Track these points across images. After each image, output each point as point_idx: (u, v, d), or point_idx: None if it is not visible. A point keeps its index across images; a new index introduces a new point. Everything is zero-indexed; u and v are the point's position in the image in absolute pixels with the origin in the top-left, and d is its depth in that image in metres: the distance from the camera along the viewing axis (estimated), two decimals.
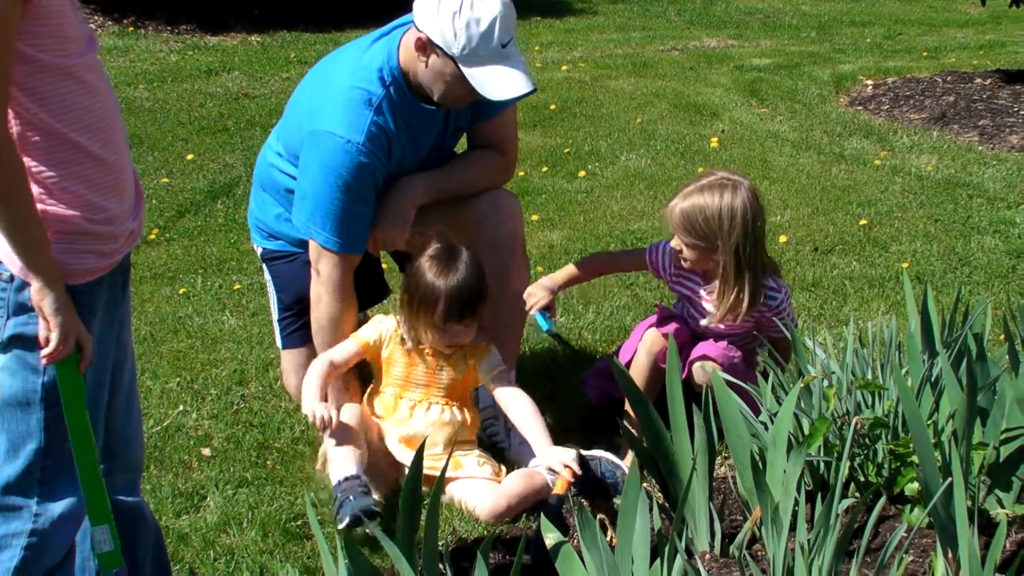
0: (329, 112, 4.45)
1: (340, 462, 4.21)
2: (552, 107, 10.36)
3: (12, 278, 2.93)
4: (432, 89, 4.41)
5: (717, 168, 4.69)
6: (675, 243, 4.56)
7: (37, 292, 2.88)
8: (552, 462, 4.23)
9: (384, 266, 5.23)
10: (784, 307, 4.63)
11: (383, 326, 4.51)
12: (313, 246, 4.50)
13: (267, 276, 4.93)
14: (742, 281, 4.50)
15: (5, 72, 2.72)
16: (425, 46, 4.32)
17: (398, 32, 4.51)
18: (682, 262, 4.61)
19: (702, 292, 4.65)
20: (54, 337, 2.90)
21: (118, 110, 3.08)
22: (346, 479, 4.15)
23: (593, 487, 4.32)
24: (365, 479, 4.21)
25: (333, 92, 4.51)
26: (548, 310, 4.76)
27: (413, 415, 4.44)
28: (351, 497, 4.07)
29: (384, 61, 4.46)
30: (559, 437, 4.52)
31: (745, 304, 4.52)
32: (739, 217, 4.45)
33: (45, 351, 2.92)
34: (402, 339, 4.46)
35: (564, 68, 12.20)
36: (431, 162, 4.72)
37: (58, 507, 3.07)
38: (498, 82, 4.28)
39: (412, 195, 4.60)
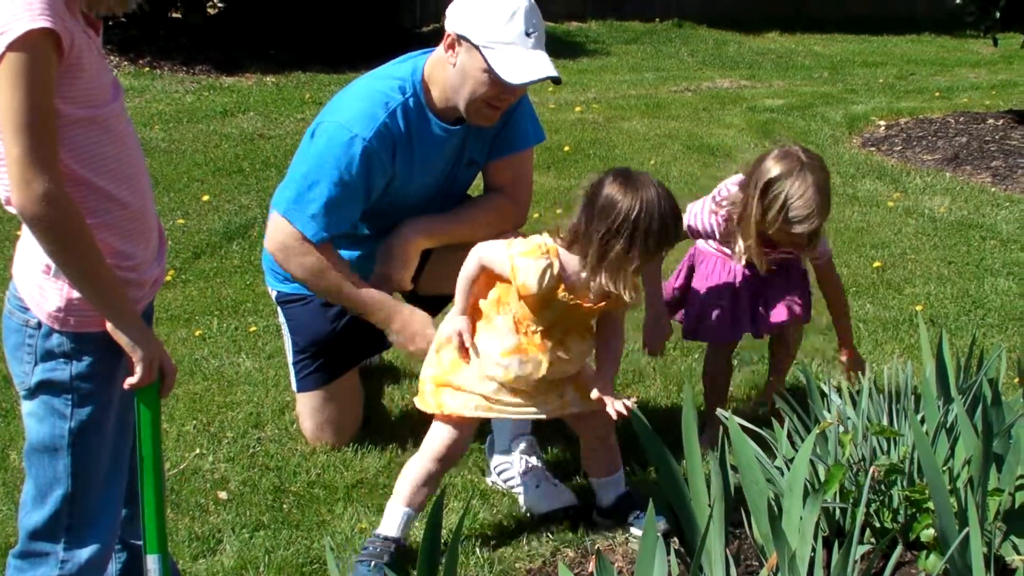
0: (343, 107, 4.54)
1: (393, 515, 4.15)
2: (566, 148, 10.39)
3: (40, 324, 2.97)
4: (460, 95, 4.45)
5: (770, 172, 4.56)
6: (800, 243, 4.60)
7: (112, 331, 2.96)
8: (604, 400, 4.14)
9: None
10: None
11: (549, 275, 4.00)
12: (279, 219, 4.54)
13: (282, 319, 4.96)
14: None
15: (53, 127, 2.78)
16: (454, 43, 4.40)
17: (427, 55, 4.58)
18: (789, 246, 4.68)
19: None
20: (138, 368, 2.99)
21: (142, 155, 3.14)
22: (385, 539, 4.11)
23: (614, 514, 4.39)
24: (404, 541, 4.16)
25: (351, 92, 4.62)
26: None
27: (553, 358, 4.12)
28: (374, 563, 4.03)
29: (408, 74, 4.55)
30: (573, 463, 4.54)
31: None
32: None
33: (130, 380, 2.99)
34: (568, 289, 4.05)
35: (578, 109, 12.24)
36: (443, 196, 4.76)
37: (84, 553, 3.10)
38: (520, 66, 4.33)
39: (413, 235, 4.65)
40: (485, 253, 4.12)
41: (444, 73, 4.47)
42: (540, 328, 4.08)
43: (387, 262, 4.65)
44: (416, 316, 4.65)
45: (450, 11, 4.43)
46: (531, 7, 4.38)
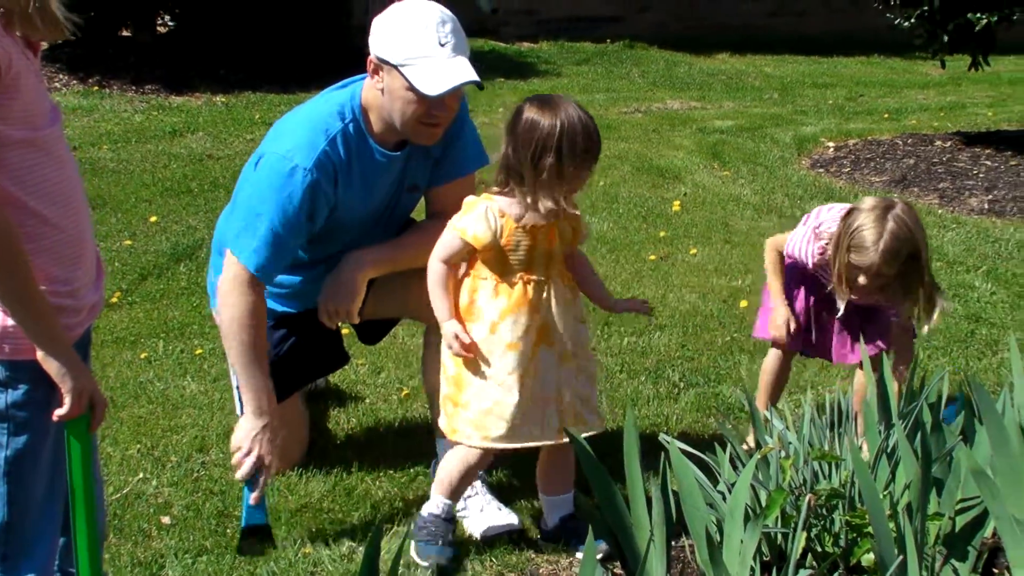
0: (284, 137, 4.50)
1: (435, 501, 4.36)
2: None
3: None
4: (393, 117, 4.44)
5: (858, 205, 4.68)
6: (865, 282, 4.62)
7: (42, 359, 2.93)
8: (629, 310, 4.52)
9: (344, 331, 5.24)
10: None
11: (490, 214, 4.19)
12: (229, 254, 4.47)
13: None
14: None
15: None
16: (377, 67, 4.40)
17: (364, 80, 4.57)
18: (861, 289, 4.69)
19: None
20: (67, 399, 2.95)
21: (80, 181, 3.12)
22: (445, 518, 4.33)
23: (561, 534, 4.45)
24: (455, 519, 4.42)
25: (291, 120, 4.59)
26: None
27: (544, 299, 4.29)
28: (439, 541, 4.29)
29: (347, 99, 4.52)
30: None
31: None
32: (920, 222, 4.64)
33: (59, 411, 2.97)
34: (516, 219, 4.21)
35: None
36: (385, 222, 4.74)
37: None
38: (436, 77, 4.31)
39: (360, 266, 4.62)
40: (438, 249, 4.26)
41: (377, 99, 4.47)
42: (517, 279, 4.24)
43: (334, 295, 4.62)
44: (263, 424, 4.49)
45: (370, 37, 4.43)
46: (443, 19, 4.37)
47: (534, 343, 4.24)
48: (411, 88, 4.32)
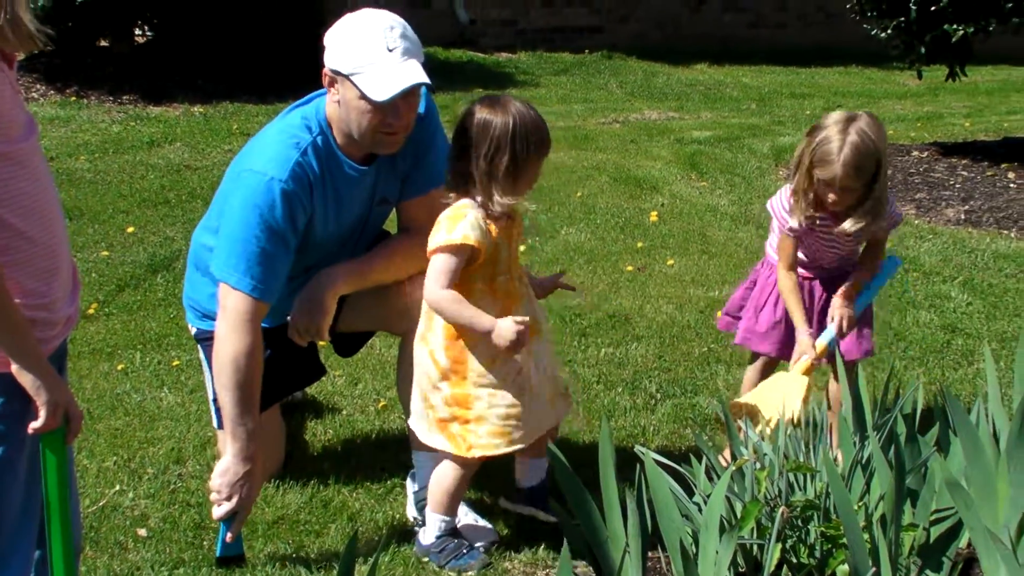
0: (255, 154, 4.50)
1: (450, 506, 4.44)
2: None
3: None
4: (352, 128, 4.43)
5: (821, 122, 4.73)
6: (834, 199, 4.68)
7: (17, 372, 2.93)
8: (556, 286, 4.73)
9: (321, 344, 5.23)
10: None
11: (479, 219, 4.23)
12: (223, 286, 4.41)
13: (202, 356, 4.91)
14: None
15: None
16: (332, 80, 4.40)
17: (326, 94, 4.57)
18: (831, 207, 4.75)
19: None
20: (42, 412, 2.95)
21: (56, 193, 3.11)
22: (450, 532, 4.43)
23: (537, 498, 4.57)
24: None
25: (261, 138, 4.60)
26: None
27: (524, 292, 4.41)
28: (464, 551, 4.38)
29: (312, 113, 4.53)
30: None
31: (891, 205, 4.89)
32: (884, 134, 4.69)
33: (34, 424, 2.96)
34: (495, 219, 4.28)
35: None
36: (356, 236, 4.75)
37: None
38: (386, 82, 4.30)
39: (331, 285, 4.60)
40: (435, 280, 4.23)
41: (336, 112, 4.47)
42: (503, 278, 4.33)
43: (304, 313, 4.59)
44: (247, 471, 4.39)
45: (325, 51, 4.44)
46: (391, 25, 4.36)
47: (529, 337, 4.27)
48: (363, 96, 4.32)
